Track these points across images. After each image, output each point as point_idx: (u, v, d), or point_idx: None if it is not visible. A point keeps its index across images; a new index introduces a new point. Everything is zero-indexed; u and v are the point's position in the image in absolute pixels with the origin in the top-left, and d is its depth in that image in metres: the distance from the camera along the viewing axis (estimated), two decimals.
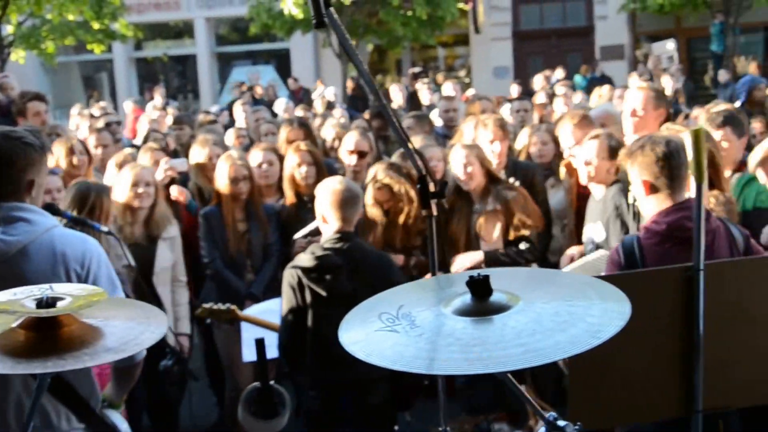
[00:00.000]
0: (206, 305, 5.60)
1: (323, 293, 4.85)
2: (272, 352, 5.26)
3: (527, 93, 15.29)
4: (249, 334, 5.73)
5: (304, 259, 4.94)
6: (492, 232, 6.00)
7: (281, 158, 7.08)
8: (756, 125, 7.88)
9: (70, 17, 20.50)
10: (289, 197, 6.70)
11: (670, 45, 8.22)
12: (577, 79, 21.67)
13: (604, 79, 19.38)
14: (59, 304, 2.29)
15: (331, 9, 2.27)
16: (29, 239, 3.43)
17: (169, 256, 6.17)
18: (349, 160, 6.89)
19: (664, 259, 3.85)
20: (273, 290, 6.09)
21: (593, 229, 5.71)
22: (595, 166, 5.74)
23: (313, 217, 5.86)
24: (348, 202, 5.00)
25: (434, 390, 6.06)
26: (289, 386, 7.07)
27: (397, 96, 14.14)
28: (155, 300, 5.84)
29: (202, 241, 6.46)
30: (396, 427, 5.21)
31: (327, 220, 5.04)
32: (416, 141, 7.54)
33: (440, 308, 2.21)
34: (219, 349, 6.56)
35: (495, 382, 5.83)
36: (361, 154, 6.90)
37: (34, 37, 22.36)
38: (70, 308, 2.28)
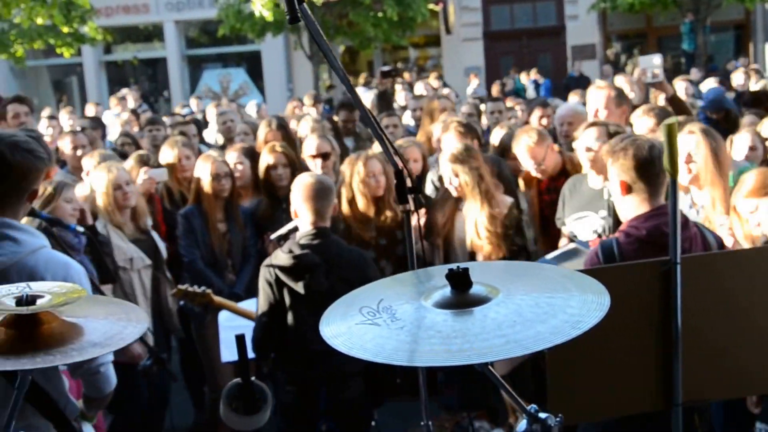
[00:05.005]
0: (182, 286, 5.59)
1: (301, 291, 4.85)
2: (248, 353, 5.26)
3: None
4: (227, 334, 5.71)
5: (282, 257, 4.92)
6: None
7: (257, 159, 7.07)
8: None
9: (39, 21, 20.30)
10: (265, 197, 6.69)
11: (657, 60, 8.22)
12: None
13: (582, 79, 19.47)
14: (39, 301, 2.28)
15: (305, 5, 2.28)
16: (13, 261, 3.38)
17: (162, 243, 6.24)
18: (314, 164, 6.87)
19: None
20: (253, 290, 6.10)
21: (591, 221, 5.66)
22: (595, 153, 5.61)
23: (288, 218, 5.86)
24: (320, 195, 4.98)
25: (407, 388, 6.09)
26: (269, 385, 7.09)
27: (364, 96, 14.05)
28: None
29: (181, 240, 6.43)
30: (373, 423, 5.22)
31: (299, 215, 5.03)
32: (400, 140, 7.58)
33: (420, 301, 2.22)
34: (198, 350, 6.54)
35: (473, 380, 5.91)
36: (325, 156, 6.90)
37: (3, 41, 22.21)
38: (51, 305, 2.27)
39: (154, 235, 6.21)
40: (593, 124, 5.83)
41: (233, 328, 5.66)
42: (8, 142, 3.41)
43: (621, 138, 4.41)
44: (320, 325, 2.20)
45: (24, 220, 3.76)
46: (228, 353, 5.77)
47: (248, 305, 5.81)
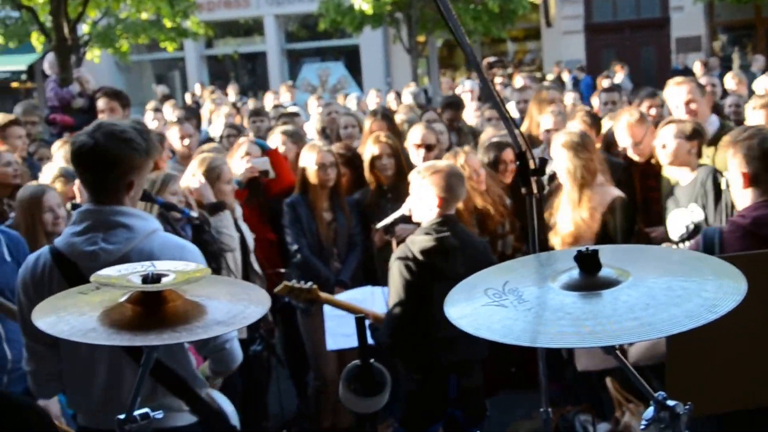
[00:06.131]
0: (288, 282, 5.55)
1: (443, 273, 4.82)
2: (352, 341, 5.24)
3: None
4: (333, 323, 5.72)
5: (421, 240, 4.93)
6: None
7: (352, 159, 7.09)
8: None
9: (144, 16, 20.72)
10: (370, 187, 6.68)
11: None
12: None
13: (686, 72, 19.05)
14: (164, 279, 2.30)
15: None
16: (129, 247, 3.43)
17: (250, 234, 6.26)
18: (417, 153, 6.82)
19: None
20: (358, 279, 6.09)
21: (688, 213, 5.59)
22: (674, 148, 5.68)
23: (392, 207, 5.84)
24: (453, 183, 4.99)
25: (515, 380, 5.99)
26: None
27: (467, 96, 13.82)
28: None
29: (287, 229, 6.45)
30: (488, 413, 5.20)
31: (427, 202, 5.01)
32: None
33: (547, 283, 2.18)
34: (303, 339, 6.56)
35: (578, 373, 5.82)
36: (429, 148, 6.80)
37: (109, 36, 22.75)
38: (176, 283, 2.29)
39: (243, 226, 6.20)
40: (671, 121, 5.89)
41: (338, 317, 5.68)
42: (105, 130, 3.43)
43: (744, 128, 4.28)
44: (445, 306, 2.19)
45: (139, 205, 3.81)
46: (332, 342, 5.78)
47: (348, 297, 5.81)
